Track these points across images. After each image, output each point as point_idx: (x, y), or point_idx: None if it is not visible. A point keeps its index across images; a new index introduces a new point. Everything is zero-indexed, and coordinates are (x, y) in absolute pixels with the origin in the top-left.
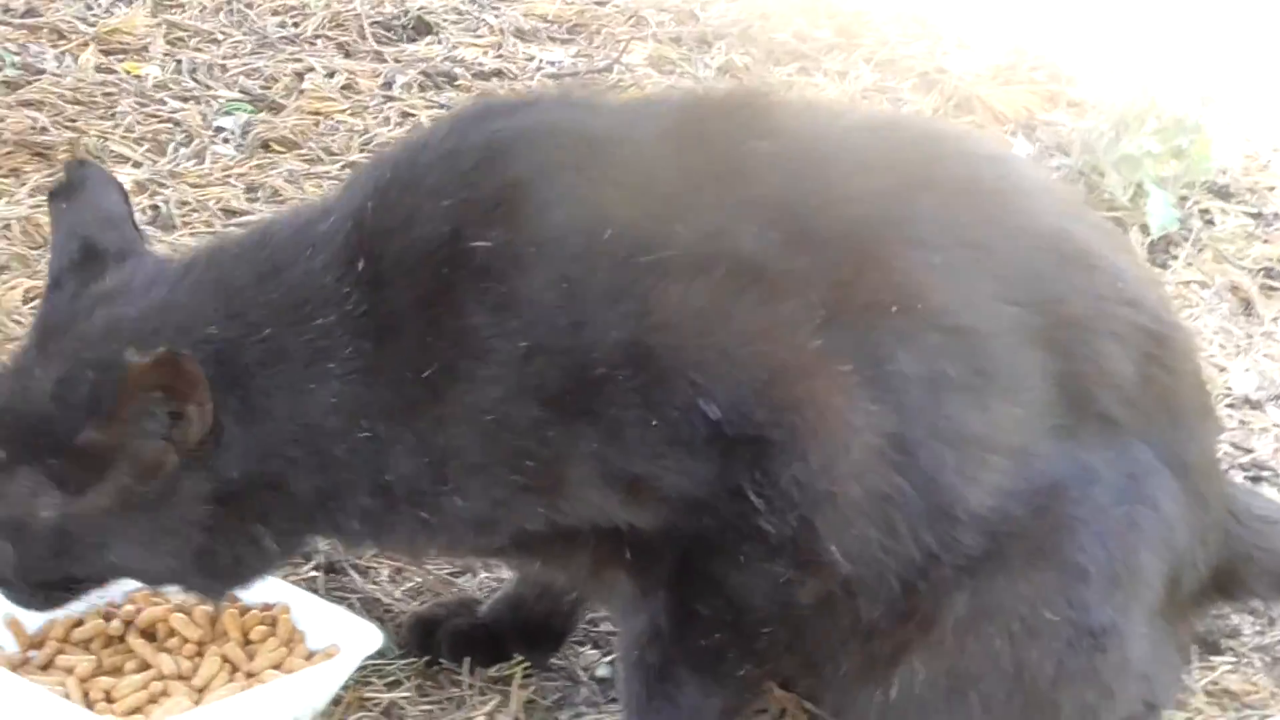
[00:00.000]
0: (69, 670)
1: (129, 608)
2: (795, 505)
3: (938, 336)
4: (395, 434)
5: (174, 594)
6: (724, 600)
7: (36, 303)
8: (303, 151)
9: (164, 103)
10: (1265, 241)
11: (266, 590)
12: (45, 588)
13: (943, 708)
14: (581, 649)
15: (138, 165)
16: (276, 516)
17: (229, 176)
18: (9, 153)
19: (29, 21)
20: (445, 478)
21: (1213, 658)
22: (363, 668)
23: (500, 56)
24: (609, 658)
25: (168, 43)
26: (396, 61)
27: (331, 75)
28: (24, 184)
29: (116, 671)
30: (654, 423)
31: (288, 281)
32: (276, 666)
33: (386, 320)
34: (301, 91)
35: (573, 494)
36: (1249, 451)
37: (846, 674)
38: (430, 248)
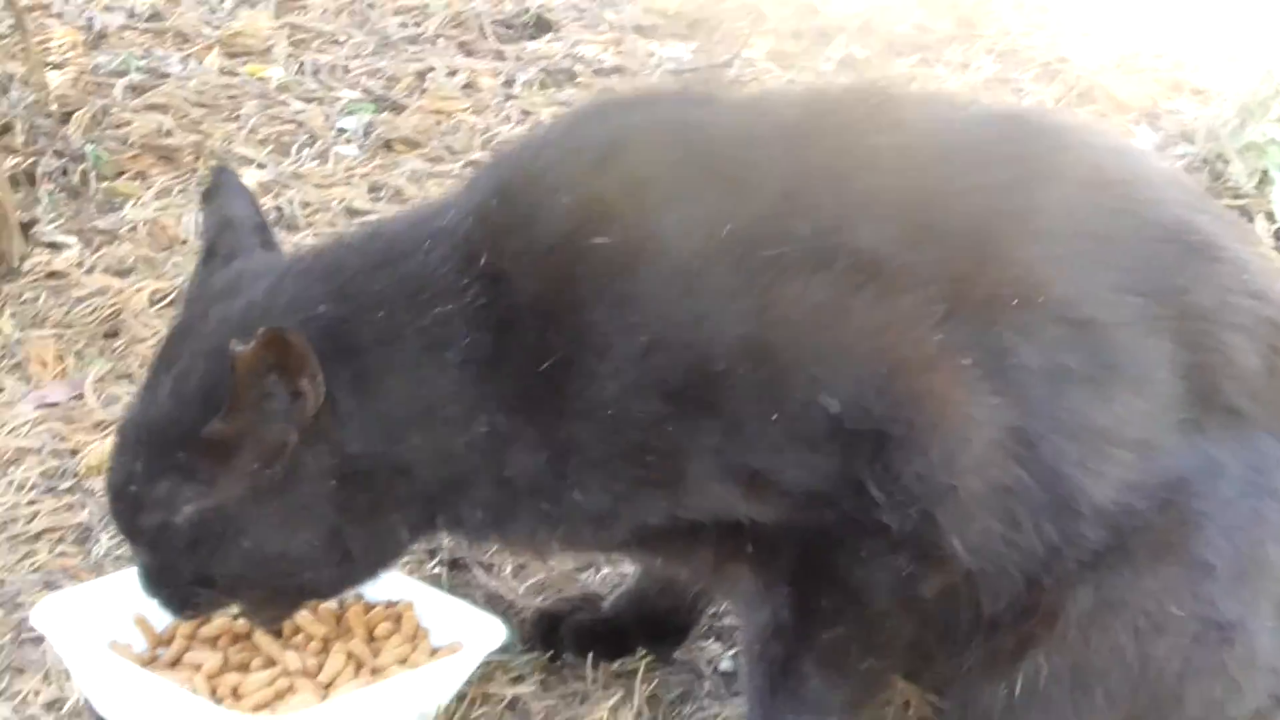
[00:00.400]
0: (196, 667)
1: None
2: (916, 499)
3: (1060, 329)
4: (515, 428)
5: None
6: (846, 594)
7: (164, 305)
8: (425, 150)
9: (287, 104)
10: None
11: (391, 587)
12: (189, 592)
13: (1067, 703)
14: (705, 643)
15: (261, 167)
16: (404, 503)
17: (352, 176)
18: (135, 156)
19: (154, 26)
20: (566, 472)
21: None
22: (487, 663)
23: (620, 53)
24: (732, 652)
25: (290, 45)
26: (517, 59)
27: (453, 74)
28: (150, 187)
29: (243, 668)
30: (774, 417)
31: (404, 271)
32: (401, 662)
33: (506, 314)
34: (423, 91)
35: (694, 488)
36: None
37: (970, 669)
38: (551, 244)
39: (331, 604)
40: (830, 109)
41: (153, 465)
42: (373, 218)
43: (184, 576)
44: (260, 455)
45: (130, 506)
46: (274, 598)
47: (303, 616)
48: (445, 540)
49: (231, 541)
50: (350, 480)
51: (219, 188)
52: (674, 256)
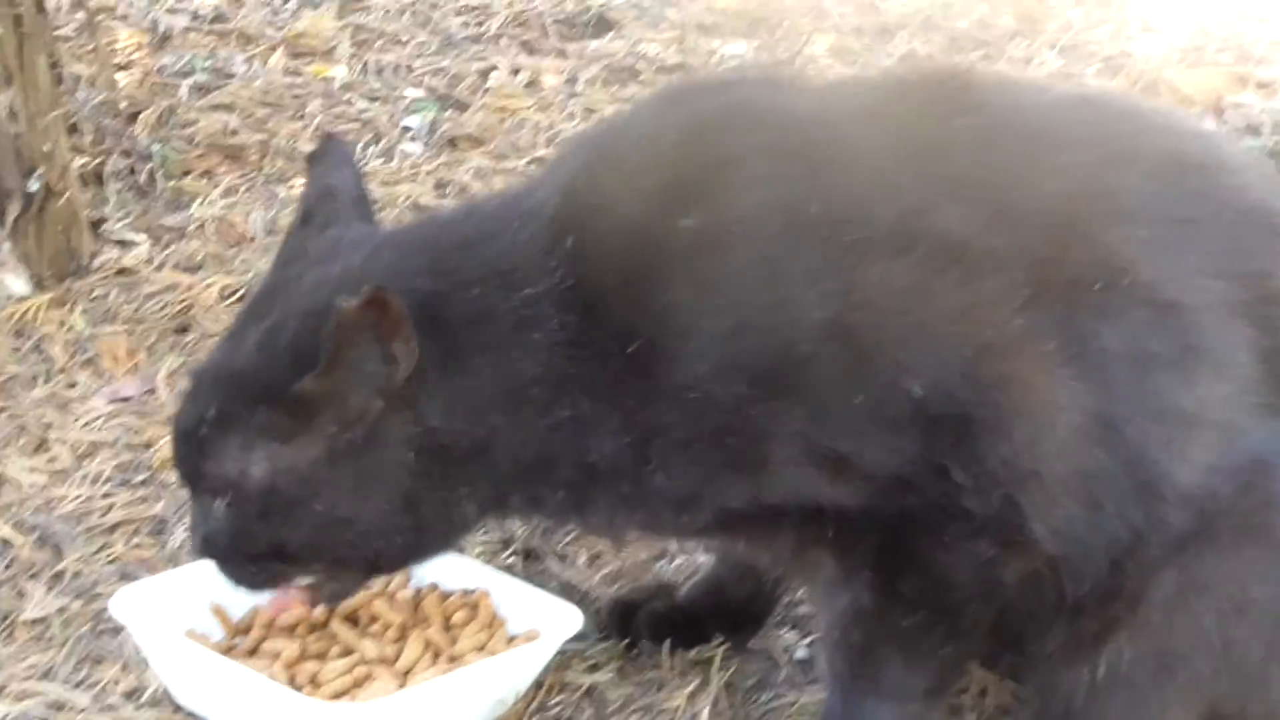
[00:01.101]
0: (275, 656)
1: None
2: (1000, 484)
3: (1144, 312)
4: (599, 412)
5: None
6: (928, 579)
7: (233, 300)
8: (489, 148)
9: (351, 103)
10: None
11: (467, 575)
12: (256, 560)
13: (1150, 687)
14: (780, 631)
15: None
16: (477, 480)
17: (417, 174)
18: (202, 155)
19: (218, 27)
20: (648, 456)
21: None
22: (563, 651)
23: (682, 51)
24: (808, 640)
25: (354, 44)
26: (579, 58)
27: (516, 73)
28: (217, 185)
29: (321, 657)
30: (858, 400)
31: (495, 249)
32: (479, 650)
33: (592, 296)
34: (486, 89)
35: (776, 472)
36: None
37: (1052, 654)
38: (636, 226)
39: (408, 592)
40: (910, 92)
41: (228, 415)
42: None
43: (252, 540)
44: (342, 418)
45: (196, 450)
46: (340, 569)
47: (379, 605)
48: (519, 529)
49: (302, 504)
50: (427, 453)
51: (326, 155)
52: (758, 239)
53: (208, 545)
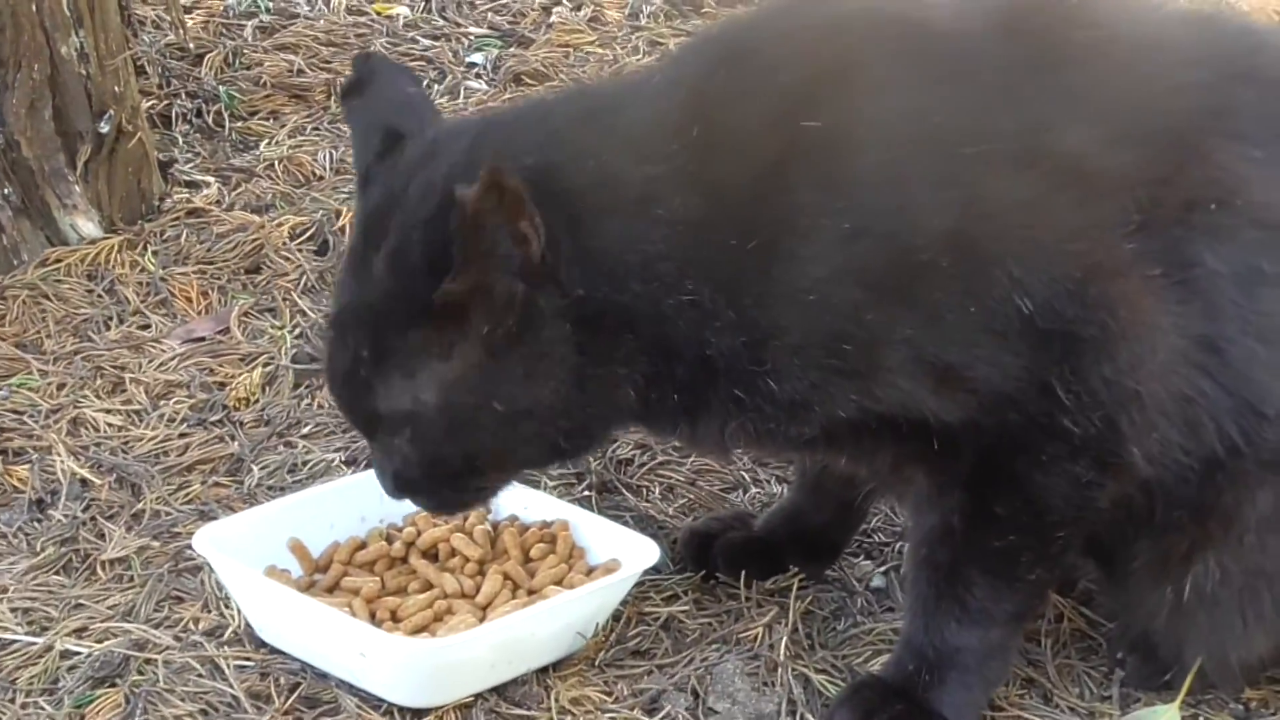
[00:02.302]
0: (355, 592)
1: (410, 529)
2: (1101, 404)
3: (1256, 232)
4: (718, 305)
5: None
6: (1023, 501)
7: (303, 239)
8: (553, 83)
9: (416, 41)
10: None
11: (545, 508)
12: (453, 481)
13: (1234, 606)
14: (856, 560)
15: None
16: (632, 358)
17: (483, 110)
18: (268, 95)
19: None
20: (763, 358)
21: None
22: (641, 583)
23: None
24: (884, 569)
25: None
26: None
27: (579, 8)
28: (284, 125)
29: (400, 592)
30: (971, 310)
31: (610, 125)
32: (557, 583)
33: (716, 187)
34: (549, 25)
35: (886, 380)
36: None
37: (1137, 571)
38: (763, 124)
39: (486, 526)
40: (1035, 6)
41: (383, 350)
42: None
43: (445, 462)
44: (492, 312)
45: (362, 394)
46: (531, 464)
47: (458, 539)
48: (594, 462)
49: (483, 410)
50: (582, 325)
51: (373, 73)
52: (883, 144)
53: (401, 482)
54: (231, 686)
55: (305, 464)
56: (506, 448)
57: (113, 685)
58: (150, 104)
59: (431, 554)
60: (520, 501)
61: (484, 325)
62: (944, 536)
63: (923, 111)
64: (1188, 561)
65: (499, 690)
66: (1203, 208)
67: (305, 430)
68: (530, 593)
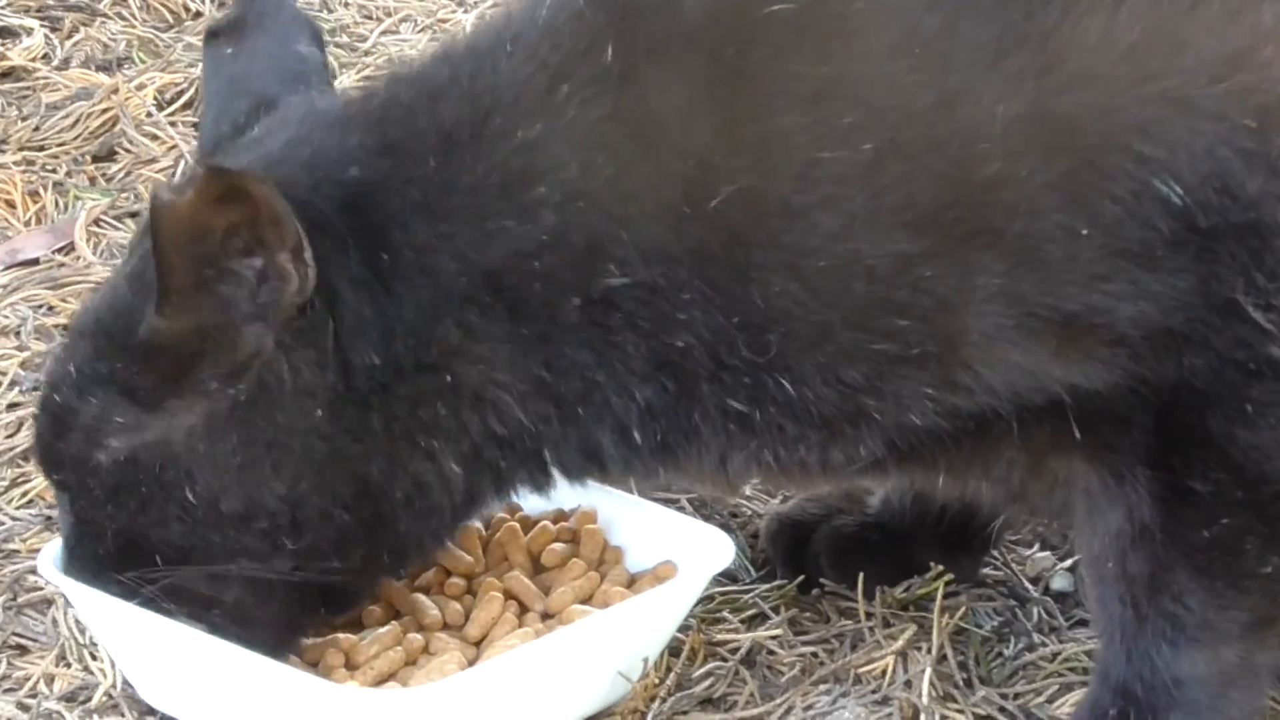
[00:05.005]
0: None
1: None
2: None
3: None
4: (675, 280)
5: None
6: (1231, 469)
7: (177, 107)
8: None
9: None
10: None
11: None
12: (110, 558)
13: None
14: (1026, 552)
15: None
16: (457, 426)
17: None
18: None
19: None
20: (765, 346)
21: None
22: (708, 597)
23: None
24: (1069, 563)
25: None
26: None
27: None
28: None
29: (355, 626)
30: (1084, 231)
31: (470, 91)
32: (584, 601)
33: (645, 128)
34: None
35: (977, 358)
36: None
37: None
38: (709, 21)
39: (475, 521)
40: None
41: (87, 376)
42: None
43: (104, 539)
44: (221, 365)
45: (50, 425)
46: (252, 602)
47: None
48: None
49: (171, 488)
50: (366, 401)
51: (261, 16)
52: (896, 10)
53: (66, 552)
54: None
55: None
56: (209, 552)
57: None
58: None
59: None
60: None
61: (211, 381)
62: (1135, 538)
63: None
64: None
65: None
66: None
67: None
68: (545, 617)
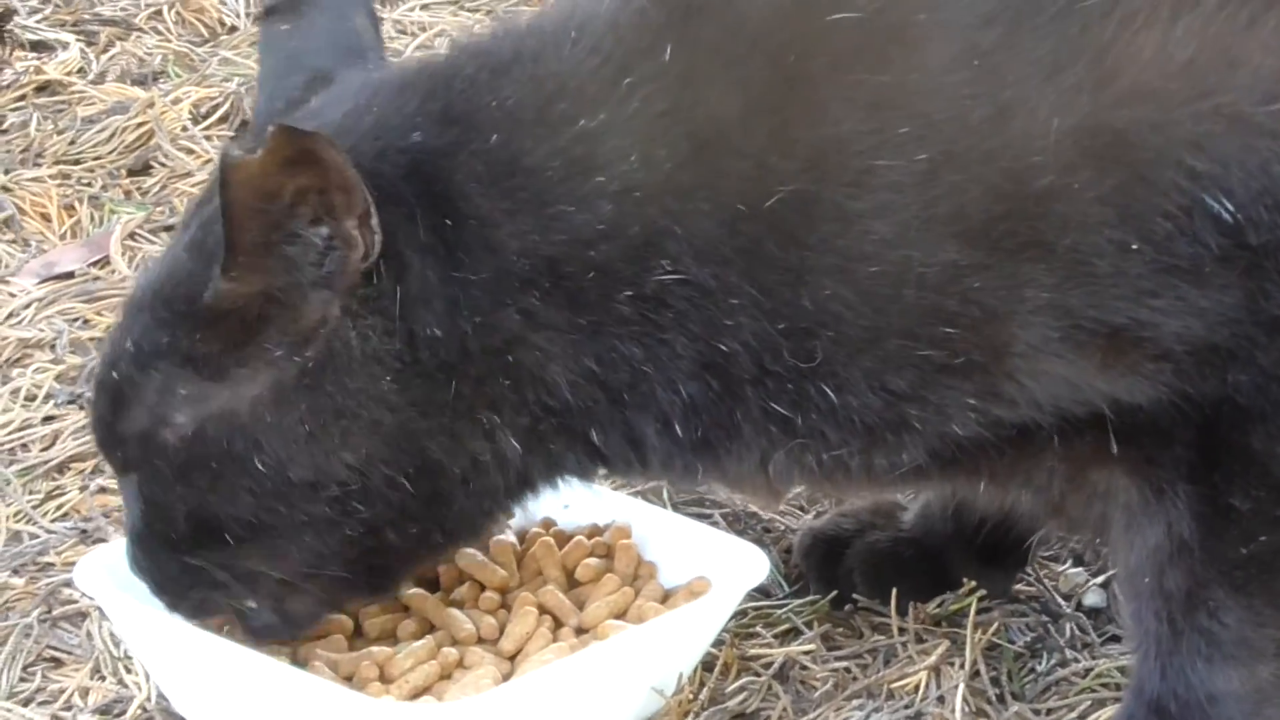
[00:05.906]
0: (321, 640)
1: None
2: None
3: None
4: (725, 284)
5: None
6: (1272, 487)
7: (212, 120)
8: None
9: None
10: None
11: (596, 504)
12: (178, 548)
13: None
14: (1059, 568)
15: None
16: (517, 406)
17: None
18: None
19: None
20: (810, 353)
21: None
22: (742, 612)
23: None
24: (1100, 579)
25: None
26: None
27: None
28: None
29: (389, 639)
30: (1134, 245)
31: (533, 74)
32: (619, 615)
33: (702, 128)
34: None
35: (1022, 369)
36: None
37: None
38: (771, 25)
39: (509, 537)
40: None
41: (152, 345)
42: None
43: (174, 519)
44: (291, 334)
45: (113, 400)
46: (306, 578)
47: (466, 557)
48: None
49: (241, 463)
50: (430, 374)
51: None
52: (956, 24)
53: (131, 546)
54: None
55: None
56: (269, 533)
57: None
58: None
59: (432, 581)
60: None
61: (275, 346)
62: (1174, 554)
63: None
64: None
65: None
66: None
67: None
68: (579, 631)
